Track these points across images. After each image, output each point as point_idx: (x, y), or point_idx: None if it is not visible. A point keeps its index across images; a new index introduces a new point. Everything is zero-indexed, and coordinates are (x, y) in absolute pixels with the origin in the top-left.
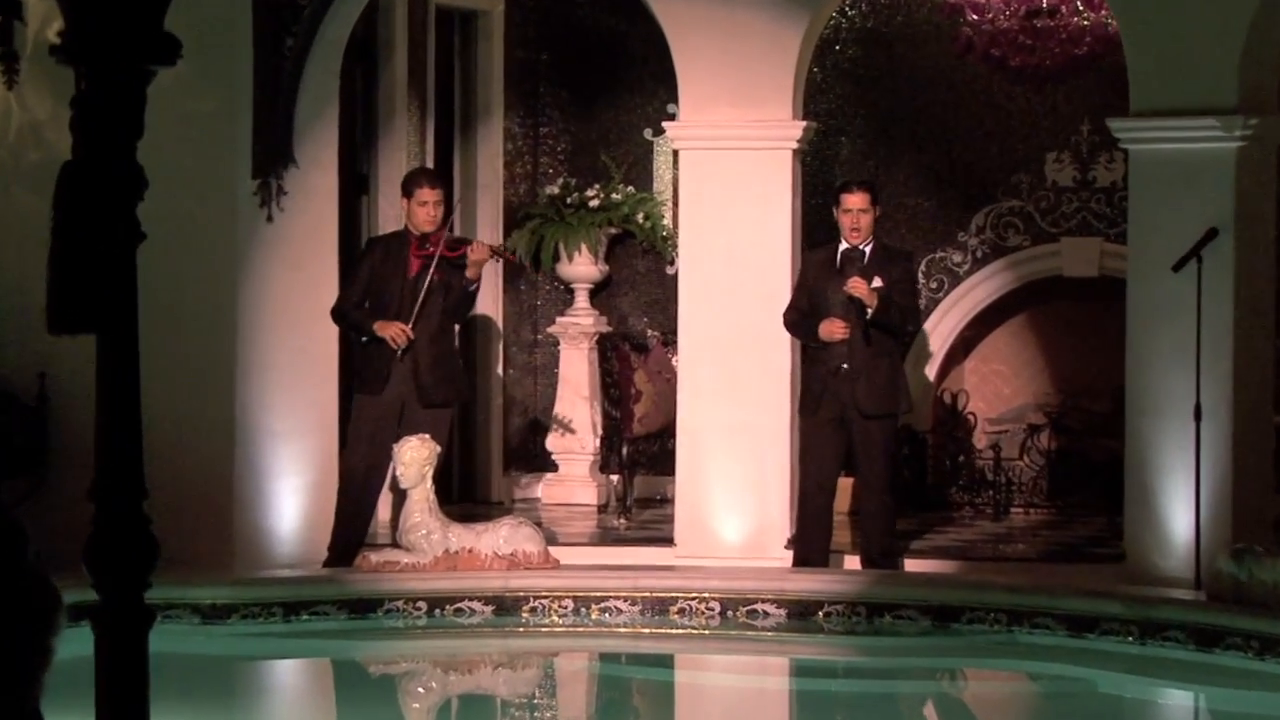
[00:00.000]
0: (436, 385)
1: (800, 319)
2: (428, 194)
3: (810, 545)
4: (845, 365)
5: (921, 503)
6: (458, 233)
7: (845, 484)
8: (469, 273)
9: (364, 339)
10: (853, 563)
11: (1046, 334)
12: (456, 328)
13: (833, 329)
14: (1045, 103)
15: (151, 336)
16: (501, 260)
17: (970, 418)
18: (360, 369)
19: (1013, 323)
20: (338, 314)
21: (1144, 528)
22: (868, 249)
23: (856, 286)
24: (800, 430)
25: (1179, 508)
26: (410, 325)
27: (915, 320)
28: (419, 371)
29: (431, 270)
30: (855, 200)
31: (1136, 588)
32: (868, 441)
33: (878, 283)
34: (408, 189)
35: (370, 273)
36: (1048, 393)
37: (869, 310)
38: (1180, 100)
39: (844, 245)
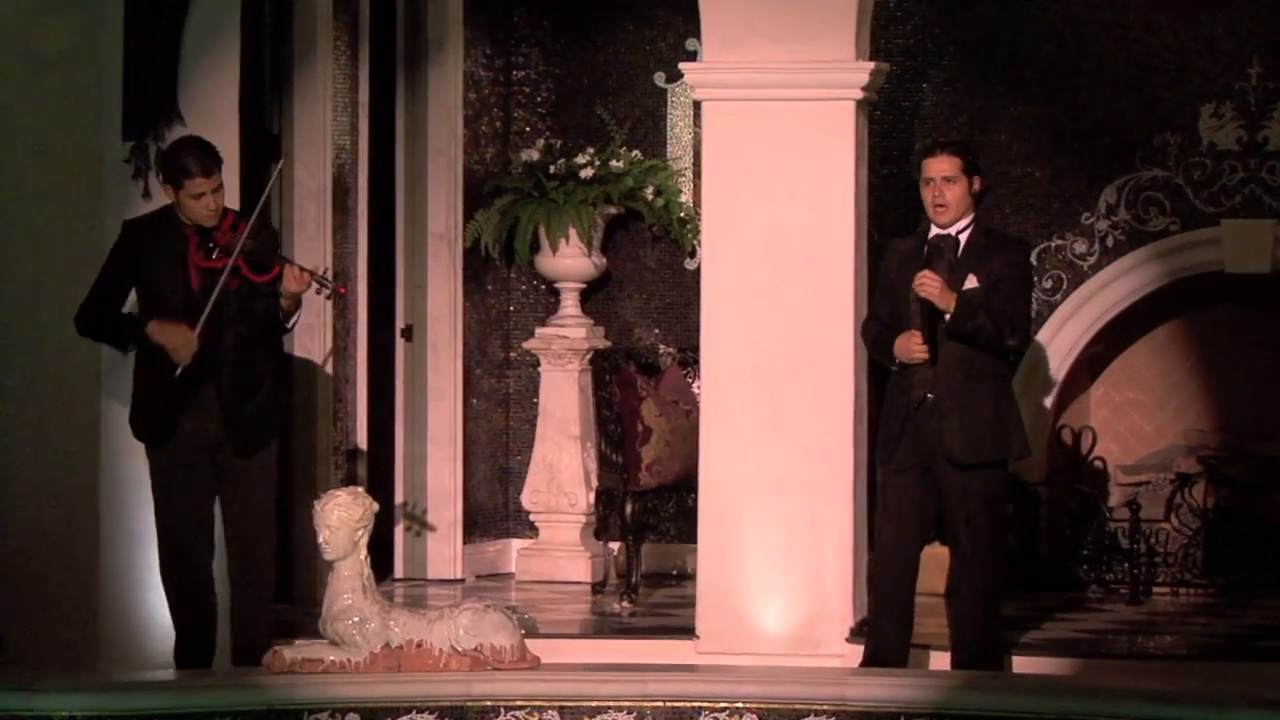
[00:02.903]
0: (256, 423)
1: (880, 333)
2: (201, 184)
3: (883, 636)
4: (929, 395)
5: (1032, 580)
6: (262, 216)
7: (938, 554)
8: (284, 303)
9: (128, 349)
10: (942, 660)
11: (1201, 351)
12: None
13: (910, 346)
14: (1200, 37)
15: None
16: (328, 294)
17: (1099, 464)
18: (142, 411)
19: (1156, 335)
20: (85, 321)
21: None
22: (963, 235)
23: (926, 284)
24: (879, 483)
25: None
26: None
27: (1020, 331)
28: (227, 411)
29: (220, 284)
30: (938, 166)
31: None
32: (963, 499)
33: (972, 282)
34: (173, 178)
35: (131, 271)
36: (1203, 431)
37: (945, 315)
38: None
39: (934, 230)
